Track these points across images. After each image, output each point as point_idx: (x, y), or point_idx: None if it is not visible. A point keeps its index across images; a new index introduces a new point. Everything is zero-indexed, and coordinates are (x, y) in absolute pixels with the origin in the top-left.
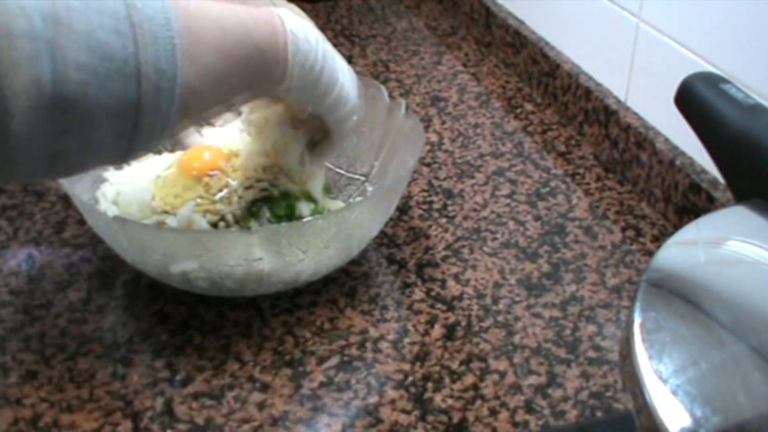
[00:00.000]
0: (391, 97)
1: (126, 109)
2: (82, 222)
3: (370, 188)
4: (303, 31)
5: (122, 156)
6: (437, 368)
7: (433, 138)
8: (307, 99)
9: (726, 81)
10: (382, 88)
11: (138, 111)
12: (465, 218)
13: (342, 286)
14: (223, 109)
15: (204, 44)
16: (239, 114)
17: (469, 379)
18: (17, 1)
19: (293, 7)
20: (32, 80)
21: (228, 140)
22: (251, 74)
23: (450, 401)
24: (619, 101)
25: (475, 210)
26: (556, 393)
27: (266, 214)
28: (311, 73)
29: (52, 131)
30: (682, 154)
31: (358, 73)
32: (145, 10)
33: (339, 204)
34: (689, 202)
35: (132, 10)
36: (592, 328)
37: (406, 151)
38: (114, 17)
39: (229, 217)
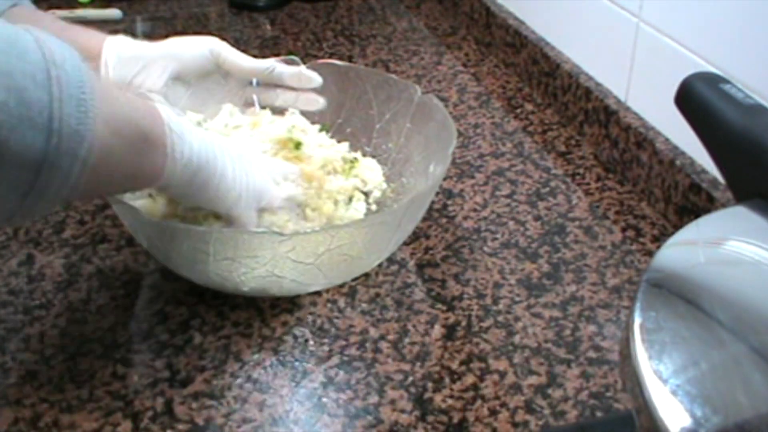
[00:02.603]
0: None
1: (29, 162)
2: (82, 222)
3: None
4: (179, 126)
5: (11, 212)
6: (437, 368)
7: None
8: (189, 197)
9: (726, 81)
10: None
11: (41, 166)
12: (465, 218)
13: (342, 286)
14: (113, 191)
15: (108, 119)
16: None
17: (469, 379)
18: None
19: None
20: None
21: None
22: (140, 161)
23: (450, 401)
24: (619, 101)
25: (475, 210)
26: (556, 393)
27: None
28: (185, 171)
29: None
30: (682, 154)
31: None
32: (62, 66)
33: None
34: (689, 202)
35: (50, 64)
36: (592, 328)
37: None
38: (33, 66)
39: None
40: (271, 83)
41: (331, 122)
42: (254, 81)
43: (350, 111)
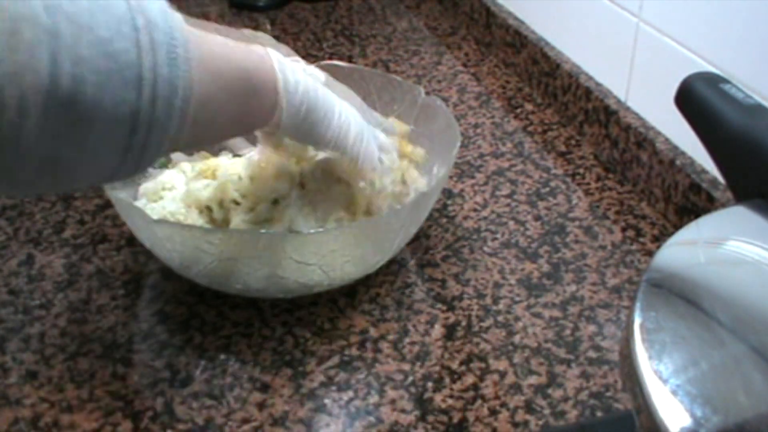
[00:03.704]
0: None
1: (124, 117)
2: (82, 222)
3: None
4: (291, 70)
5: (115, 170)
6: (437, 368)
7: None
8: (302, 136)
9: (726, 81)
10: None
11: (136, 120)
12: (465, 218)
13: (342, 286)
14: (219, 137)
15: (204, 63)
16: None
17: (469, 379)
18: None
19: (282, 47)
20: (30, 69)
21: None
22: (245, 103)
23: (450, 401)
24: (619, 101)
25: (475, 210)
26: (556, 393)
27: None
28: (300, 108)
29: (50, 131)
30: (682, 154)
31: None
32: (148, 13)
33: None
34: (689, 202)
35: (135, 13)
36: (592, 328)
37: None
38: (117, 18)
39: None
40: None
41: None
42: None
43: None
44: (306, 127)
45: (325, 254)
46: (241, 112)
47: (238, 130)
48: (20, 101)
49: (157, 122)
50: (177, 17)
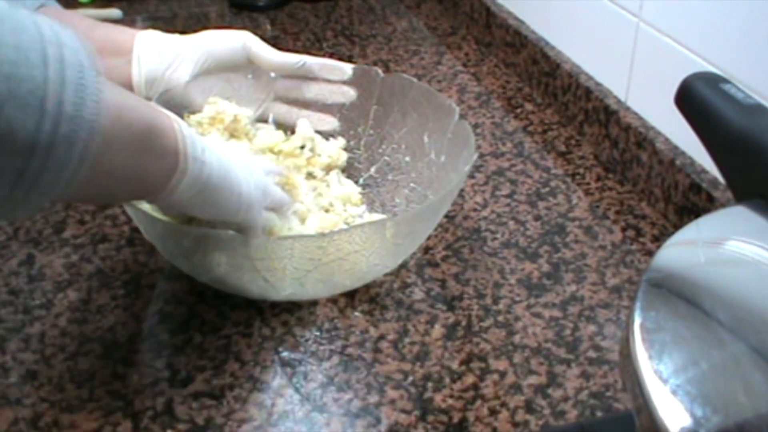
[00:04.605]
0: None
1: (18, 146)
2: (82, 222)
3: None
4: (191, 134)
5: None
6: (437, 368)
7: None
8: (194, 208)
9: (726, 81)
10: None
11: (31, 152)
12: (465, 218)
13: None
14: (111, 194)
15: (113, 110)
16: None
17: (469, 379)
18: None
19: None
20: None
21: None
22: (146, 162)
23: (450, 401)
24: (619, 101)
25: (475, 210)
26: (556, 393)
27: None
28: (199, 179)
29: None
30: (682, 154)
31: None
32: (60, 47)
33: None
34: (689, 202)
35: (48, 44)
36: (592, 328)
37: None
38: (27, 42)
39: None
40: (302, 77)
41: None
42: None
43: (395, 124)
44: (201, 200)
45: (325, 262)
46: (140, 171)
47: (132, 191)
48: None
49: (55, 158)
50: (92, 58)
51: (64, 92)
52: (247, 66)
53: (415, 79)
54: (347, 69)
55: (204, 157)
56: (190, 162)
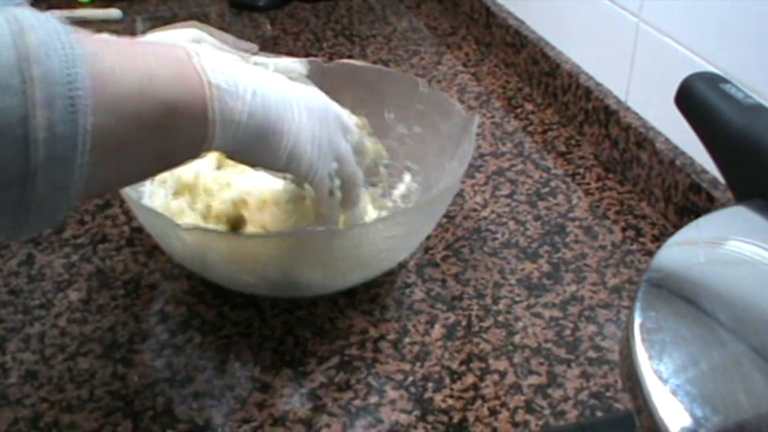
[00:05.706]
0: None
1: (9, 181)
2: (82, 222)
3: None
4: (232, 83)
5: (4, 233)
6: (437, 368)
7: None
8: (246, 160)
9: (726, 81)
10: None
11: (23, 184)
12: (465, 218)
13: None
14: (142, 175)
15: (115, 105)
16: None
17: (469, 379)
18: None
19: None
20: None
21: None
22: (167, 140)
23: (450, 401)
24: (619, 101)
25: (475, 210)
26: (556, 393)
27: None
28: (237, 137)
29: None
30: (682, 154)
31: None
32: (43, 61)
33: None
34: (689, 202)
35: (23, 62)
36: (592, 328)
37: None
38: (2, 68)
39: None
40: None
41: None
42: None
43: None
44: (250, 154)
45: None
46: (163, 150)
47: (164, 165)
48: None
49: (53, 182)
50: (82, 58)
51: (52, 113)
52: None
53: (361, 62)
54: (302, 69)
55: (245, 110)
56: (219, 130)
